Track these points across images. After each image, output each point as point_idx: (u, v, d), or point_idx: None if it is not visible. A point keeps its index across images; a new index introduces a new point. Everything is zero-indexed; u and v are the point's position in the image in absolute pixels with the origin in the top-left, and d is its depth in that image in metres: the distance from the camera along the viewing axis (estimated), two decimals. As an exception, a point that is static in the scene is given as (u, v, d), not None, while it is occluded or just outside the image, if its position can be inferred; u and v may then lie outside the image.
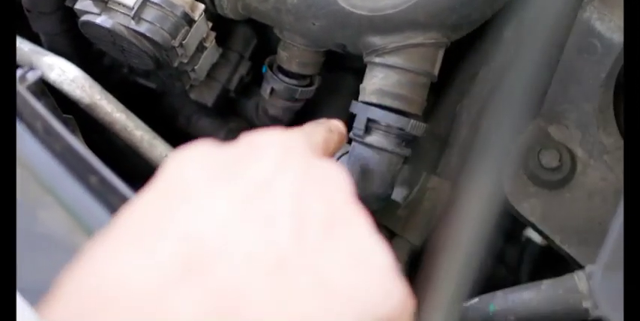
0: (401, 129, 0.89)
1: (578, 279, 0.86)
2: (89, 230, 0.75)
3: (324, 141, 0.73)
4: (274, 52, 1.01)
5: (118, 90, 0.98)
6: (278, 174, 0.53)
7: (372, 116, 0.89)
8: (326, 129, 0.76)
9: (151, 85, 1.07)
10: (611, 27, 0.92)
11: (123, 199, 0.74)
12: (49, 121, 0.77)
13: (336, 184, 0.55)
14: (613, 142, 1.00)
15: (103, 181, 0.76)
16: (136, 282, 0.45)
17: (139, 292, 0.45)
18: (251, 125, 1.13)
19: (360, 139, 0.90)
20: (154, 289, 0.45)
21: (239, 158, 0.54)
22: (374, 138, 0.90)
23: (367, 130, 0.90)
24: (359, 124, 0.90)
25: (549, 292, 0.87)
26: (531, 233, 1.11)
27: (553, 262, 1.17)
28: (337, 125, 0.79)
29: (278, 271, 0.47)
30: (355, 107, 0.91)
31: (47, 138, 0.77)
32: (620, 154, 1.00)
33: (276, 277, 0.47)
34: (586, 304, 0.83)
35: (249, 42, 1.07)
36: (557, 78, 0.99)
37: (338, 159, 0.93)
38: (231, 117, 1.14)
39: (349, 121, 0.90)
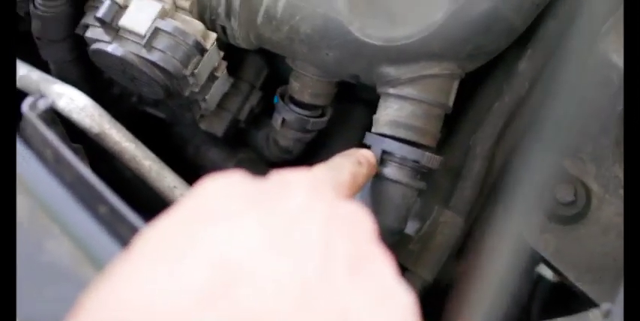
0: (416, 161, 0.88)
1: (593, 317, 0.84)
2: (97, 261, 0.73)
3: (352, 177, 0.74)
4: (285, 82, 1.00)
5: (126, 119, 0.97)
6: (306, 213, 0.53)
7: (386, 148, 0.88)
8: (354, 162, 0.77)
9: (161, 114, 1.06)
10: (627, 59, 0.91)
11: (133, 230, 0.73)
12: (59, 150, 0.76)
13: (360, 225, 0.55)
14: (629, 176, 0.99)
15: (112, 211, 0.74)
16: (161, 306, 0.44)
17: (164, 316, 0.44)
18: (260, 156, 1.11)
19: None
20: (179, 313, 0.44)
21: (269, 193, 0.54)
22: (389, 170, 0.88)
23: (382, 162, 0.88)
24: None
25: (563, 330, 0.85)
26: (543, 270, 1.09)
27: (565, 300, 1.15)
28: (366, 156, 0.80)
29: (304, 303, 0.47)
30: (369, 139, 0.90)
31: (57, 167, 0.76)
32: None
33: (302, 307, 0.47)
34: (602, 343, 0.82)
35: (261, 72, 1.06)
36: (570, 113, 0.98)
37: None
38: (241, 148, 1.12)
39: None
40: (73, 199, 0.75)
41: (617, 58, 0.91)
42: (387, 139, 0.88)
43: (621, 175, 0.99)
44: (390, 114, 0.89)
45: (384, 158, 0.88)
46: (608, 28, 0.92)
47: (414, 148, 0.87)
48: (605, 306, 0.84)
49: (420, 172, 0.89)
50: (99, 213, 0.74)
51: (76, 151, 0.83)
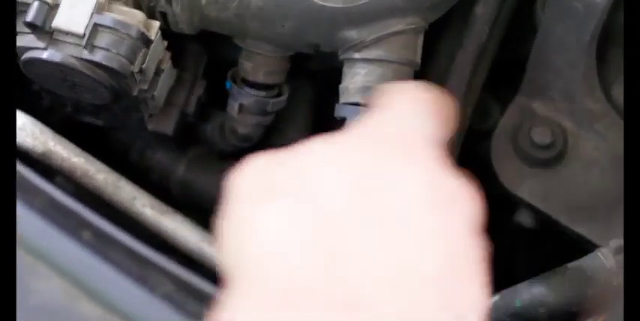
0: None
1: (604, 257, 0.81)
2: (94, 292, 0.66)
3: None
4: (226, 66, 0.92)
5: (58, 131, 0.88)
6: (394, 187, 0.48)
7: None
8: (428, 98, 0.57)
9: (99, 122, 0.96)
10: (592, -14, 0.87)
11: (125, 251, 0.66)
12: (22, 173, 0.67)
13: (461, 213, 0.49)
14: (601, 108, 0.96)
15: (98, 234, 0.66)
16: None
17: None
18: (212, 150, 1.03)
19: None
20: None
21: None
22: None
23: None
24: None
25: (577, 275, 0.81)
26: (520, 217, 1.05)
27: (547, 246, 1.12)
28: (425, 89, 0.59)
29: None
30: (342, 110, 0.83)
31: (24, 194, 0.67)
32: (610, 120, 0.96)
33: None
34: (618, 281, 0.78)
35: (200, 60, 0.98)
36: (536, 50, 0.94)
37: None
38: (189, 145, 1.04)
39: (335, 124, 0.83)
40: (51, 228, 0.66)
41: (579, -14, 0.87)
42: (362, 108, 0.82)
43: (594, 107, 0.95)
44: (358, 80, 0.83)
45: None
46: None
47: None
48: (614, 243, 0.82)
49: None
50: (83, 239, 0.67)
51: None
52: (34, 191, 0.66)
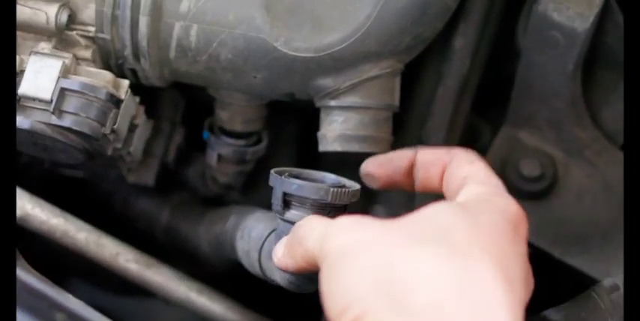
0: (321, 200, 0.73)
1: (598, 297, 0.79)
2: None
3: None
4: (206, 110, 0.90)
5: (38, 186, 0.86)
6: None
7: (287, 190, 0.73)
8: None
9: (79, 174, 0.95)
10: (570, 16, 0.86)
11: None
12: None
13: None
14: (590, 134, 0.94)
15: (72, 316, 0.64)
16: None
17: None
18: (196, 195, 1.02)
19: (280, 216, 0.75)
20: None
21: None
22: (294, 213, 0.74)
23: (286, 204, 0.74)
24: (276, 199, 0.74)
25: (572, 316, 0.79)
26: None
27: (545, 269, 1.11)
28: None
29: None
30: (271, 179, 0.75)
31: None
32: (599, 146, 0.94)
33: None
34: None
35: (178, 105, 0.97)
36: (519, 79, 0.92)
37: (267, 237, 0.80)
38: (171, 190, 1.02)
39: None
40: (23, 313, 0.64)
41: (559, 17, 0.85)
42: (285, 180, 0.73)
43: (582, 134, 0.94)
44: (336, 128, 0.81)
45: (287, 200, 0.74)
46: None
47: (315, 186, 0.72)
48: (607, 282, 0.80)
49: (333, 207, 0.75)
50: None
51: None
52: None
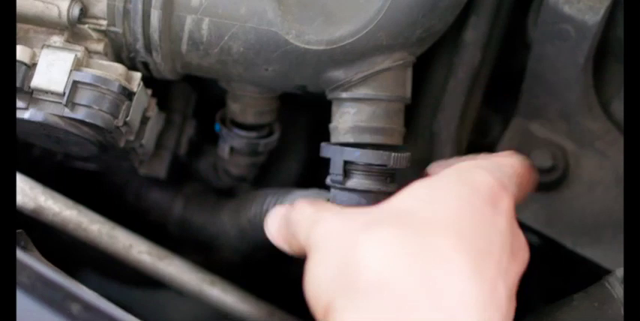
0: (383, 165, 0.79)
1: (611, 286, 0.79)
2: None
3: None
4: (218, 102, 0.90)
5: (50, 179, 0.87)
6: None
7: (348, 158, 0.79)
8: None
9: (91, 167, 0.95)
10: (581, 8, 0.85)
11: None
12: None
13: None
14: (601, 126, 0.94)
15: (87, 307, 0.65)
16: None
17: None
18: (207, 185, 1.02)
19: (340, 186, 0.79)
20: None
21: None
22: (355, 181, 0.79)
23: (346, 173, 0.79)
24: (336, 169, 0.79)
25: (585, 307, 0.79)
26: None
27: (554, 261, 1.11)
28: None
29: None
30: (327, 150, 0.81)
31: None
32: (611, 137, 0.94)
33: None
34: (627, 311, 0.77)
35: (190, 98, 0.97)
36: (530, 71, 0.92)
37: None
38: (184, 182, 1.03)
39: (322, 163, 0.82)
40: (39, 303, 0.64)
41: (569, 9, 0.85)
42: (346, 149, 0.79)
43: (593, 125, 0.93)
44: (348, 120, 0.80)
45: (347, 169, 0.79)
46: (554, -23, 0.86)
47: (378, 152, 0.78)
48: (620, 271, 0.80)
49: (390, 174, 0.81)
50: (73, 313, 0.64)
51: (21, 243, 0.73)
52: (19, 266, 0.64)
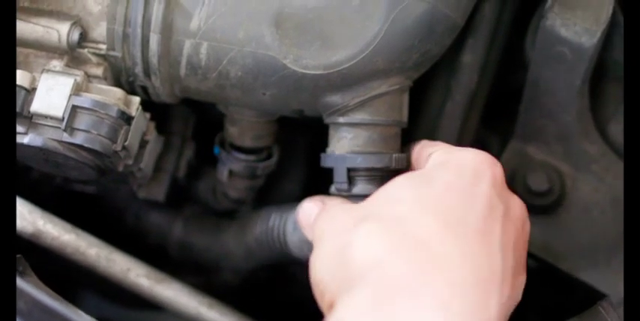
0: (385, 167, 0.80)
1: (605, 312, 0.79)
2: None
3: None
4: (216, 124, 0.91)
5: (49, 202, 0.87)
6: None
7: (351, 165, 0.80)
8: None
9: (90, 190, 0.95)
10: (578, 31, 0.86)
11: None
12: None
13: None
14: (597, 148, 0.94)
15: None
16: None
17: None
18: (206, 207, 1.02)
19: (346, 193, 0.81)
20: None
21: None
22: (360, 187, 0.81)
23: (350, 181, 0.80)
24: (340, 177, 0.81)
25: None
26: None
27: (550, 282, 1.11)
28: None
29: None
30: (329, 160, 0.82)
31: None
32: (607, 160, 0.94)
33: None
34: (622, 338, 0.77)
35: (189, 120, 0.97)
36: (527, 94, 0.92)
37: None
38: (184, 204, 1.03)
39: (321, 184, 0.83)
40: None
41: (566, 32, 0.86)
42: (348, 156, 0.80)
43: (590, 148, 0.94)
44: (345, 145, 0.81)
45: (350, 176, 0.80)
46: (551, 0, 0.86)
47: (379, 155, 0.80)
48: (615, 297, 0.81)
49: (392, 176, 0.80)
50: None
51: (19, 269, 0.73)
52: (17, 293, 0.64)
